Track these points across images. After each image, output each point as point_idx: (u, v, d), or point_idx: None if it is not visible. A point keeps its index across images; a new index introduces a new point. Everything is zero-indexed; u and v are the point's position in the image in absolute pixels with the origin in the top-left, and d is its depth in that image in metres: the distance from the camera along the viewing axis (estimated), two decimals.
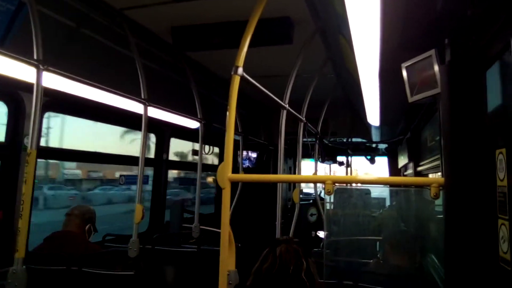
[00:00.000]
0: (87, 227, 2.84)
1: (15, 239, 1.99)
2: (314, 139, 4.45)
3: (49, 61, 2.06)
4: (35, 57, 1.99)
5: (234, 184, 1.63)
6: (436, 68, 1.48)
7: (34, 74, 2.01)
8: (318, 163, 4.54)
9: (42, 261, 2.40)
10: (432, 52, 1.49)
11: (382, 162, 7.60)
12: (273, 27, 2.52)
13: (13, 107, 2.60)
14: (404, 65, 1.66)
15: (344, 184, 3.41)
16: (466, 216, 1.29)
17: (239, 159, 4.84)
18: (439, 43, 1.43)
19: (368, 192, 3.89)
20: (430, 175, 3.91)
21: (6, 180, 2.55)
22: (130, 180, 4.17)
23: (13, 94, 2.55)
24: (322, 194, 4.72)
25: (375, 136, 5.61)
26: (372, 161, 7.04)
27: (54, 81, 2.28)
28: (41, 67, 2.00)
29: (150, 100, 2.81)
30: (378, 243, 3.04)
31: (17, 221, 2.00)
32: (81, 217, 2.82)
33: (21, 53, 1.95)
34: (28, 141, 2.08)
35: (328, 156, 6.71)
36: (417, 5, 1.42)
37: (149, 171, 4.18)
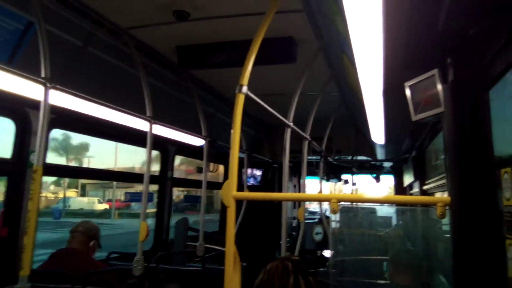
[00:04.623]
0: (91, 243, 2.83)
1: (20, 256, 1.98)
2: (319, 157, 4.44)
3: (56, 79, 2.09)
4: (42, 75, 2.03)
5: (239, 202, 1.62)
6: (439, 87, 1.48)
7: (41, 92, 2.04)
8: (323, 181, 4.52)
9: (47, 279, 2.38)
10: (435, 71, 1.49)
11: (385, 180, 7.58)
12: (276, 46, 2.55)
13: (20, 124, 2.63)
14: (407, 84, 1.66)
15: (349, 203, 3.38)
16: (473, 236, 1.27)
17: (244, 177, 4.83)
18: (442, 62, 1.44)
19: (373, 211, 3.85)
20: (437, 194, 3.87)
21: (12, 197, 2.56)
22: (134, 197, 4.17)
23: (20, 111, 2.58)
24: (328, 213, 4.68)
25: (380, 154, 5.59)
26: (377, 179, 7.00)
27: (61, 99, 2.31)
28: (48, 85, 2.03)
29: (155, 118, 2.83)
30: (385, 263, 2.99)
31: (22, 238, 2.00)
32: (86, 234, 2.82)
33: (29, 71, 1.99)
34: (34, 157, 2.10)
35: (333, 174, 6.68)
36: (419, 25, 1.44)
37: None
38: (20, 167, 2.58)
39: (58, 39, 2.41)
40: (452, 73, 1.37)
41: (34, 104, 2.20)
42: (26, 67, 2.00)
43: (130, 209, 23.77)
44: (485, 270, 1.24)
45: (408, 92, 1.66)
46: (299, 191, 6.10)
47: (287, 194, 2.85)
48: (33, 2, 2.02)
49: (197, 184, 4.60)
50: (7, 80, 2.04)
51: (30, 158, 2.58)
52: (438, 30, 1.36)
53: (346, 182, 7.03)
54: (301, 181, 3.40)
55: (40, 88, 2.04)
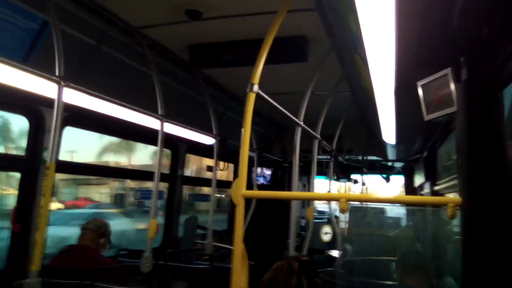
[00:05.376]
0: (101, 240, 2.87)
1: (31, 251, 2.01)
2: (329, 157, 4.43)
3: (70, 77, 2.11)
4: (56, 73, 2.05)
5: (248, 201, 1.63)
6: (452, 86, 1.47)
7: (55, 90, 2.07)
8: (333, 181, 4.50)
9: (56, 275, 2.42)
10: (448, 70, 1.48)
11: (396, 181, 7.54)
12: (288, 45, 2.55)
13: (34, 122, 2.67)
14: (419, 83, 1.65)
15: (359, 203, 3.36)
16: (484, 237, 1.26)
17: (254, 176, 4.83)
18: (455, 61, 1.43)
19: (383, 211, 3.83)
20: (448, 195, 3.83)
21: (25, 193, 2.60)
22: (145, 195, 4.20)
23: (34, 109, 2.62)
24: (337, 213, 4.66)
25: (391, 154, 5.55)
26: (387, 179, 6.96)
27: (74, 97, 2.34)
28: (62, 83, 2.06)
29: (167, 116, 2.85)
30: (394, 263, 2.97)
31: (34, 233, 2.03)
32: (96, 231, 2.85)
33: (43, 69, 2.02)
34: (47, 154, 2.13)
35: (343, 174, 6.66)
36: (432, 24, 1.43)
37: None
38: (33, 164, 2.62)
39: (72, 38, 2.44)
40: (465, 72, 1.35)
41: (47, 102, 2.23)
42: (40, 66, 2.03)
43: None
44: (495, 272, 1.23)
45: (420, 91, 1.64)
46: (309, 191, 6.09)
47: (296, 193, 2.84)
48: (48, 2, 2.05)
49: (207, 182, 4.61)
50: (22, 78, 2.07)
51: (43, 155, 2.62)
52: (451, 29, 1.35)
53: (355, 182, 7.00)
54: (311, 180, 3.39)
55: (54, 86, 2.07)
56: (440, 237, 2.83)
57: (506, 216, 1.22)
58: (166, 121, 2.85)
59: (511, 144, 1.23)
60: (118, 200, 19.46)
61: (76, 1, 2.27)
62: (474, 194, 1.30)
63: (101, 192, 21.25)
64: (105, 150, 20.58)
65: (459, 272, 1.41)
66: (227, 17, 2.45)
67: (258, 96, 1.75)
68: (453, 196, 3.36)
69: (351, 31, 1.77)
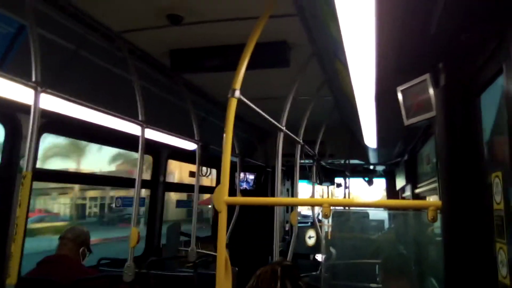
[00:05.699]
0: (81, 250, 2.79)
1: (7, 264, 1.94)
2: (311, 161, 4.46)
3: (47, 83, 2.06)
4: (33, 79, 2.00)
5: (231, 206, 1.62)
6: (431, 91, 1.49)
7: (32, 96, 2.02)
8: (316, 185, 4.53)
9: (34, 287, 2.34)
10: (426, 76, 1.50)
11: (379, 184, 7.63)
12: (270, 50, 2.55)
13: (10, 129, 2.59)
14: (399, 88, 1.67)
15: (342, 207, 3.39)
16: (464, 239, 1.28)
17: (236, 181, 4.82)
18: (434, 67, 1.45)
19: (366, 215, 3.86)
20: (429, 198, 3.90)
21: (1, 203, 2.52)
22: (126, 202, 4.14)
23: (11, 116, 2.55)
24: (320, 217, 4.68)
25: (373, 158, 5.62)
26: (370, 183, 7.03)
27: (52, 103, 2.29)
28: (39, 89, 2.01)
29: (148, 122, 2.82)
30: (377, 266, 3.00)
31: (10, 245, 1.97)
32: (75, 240, 2.77)
33: (20, 74, 1.97)
34: (24, 162, 2.07)
35: (326, 178, 6.70)
36: (411, 30, 1.45)
37: None
38: (9, 173, 2.54)
39: (50, 42, 2.39)
40: (443, 78, 1.38)
41: (25, 109, 2.17)
42: (17, 71, 1.97)
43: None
44: (476, 274, 1.25)
45: (400, 96, 1.67)
46: (292, 195, 6.11)
47: (279, 198, 2.84)
48: (26, 6, 2.00)
49: (189, 188, 4.57)
50: None
51: (21, 164, 2.54)
52: (430, 35, 1.37)
53: (339, 185, 7.05)
54: (294, 185, 3.40)
55: (31, 92, 2.02)
56: (422, 240, 2.87)
57: (484, 218, 1.24)
58: (147, 127, 2.82)
59: (500, 140, 1.25)
60: (78, 211, 18.71)
61: (54, 5, 2.23)
62: (453, 197, 1.32)
63: (61, 203, 19.52)
64: (48, 154, 17.80)
65: (441, 274, 1.43)
66: (209, 22, 2.45)
67: (240, 101, 1.74)
68: (433, 199, 3.42)
69: (332, 37, 1.78)
